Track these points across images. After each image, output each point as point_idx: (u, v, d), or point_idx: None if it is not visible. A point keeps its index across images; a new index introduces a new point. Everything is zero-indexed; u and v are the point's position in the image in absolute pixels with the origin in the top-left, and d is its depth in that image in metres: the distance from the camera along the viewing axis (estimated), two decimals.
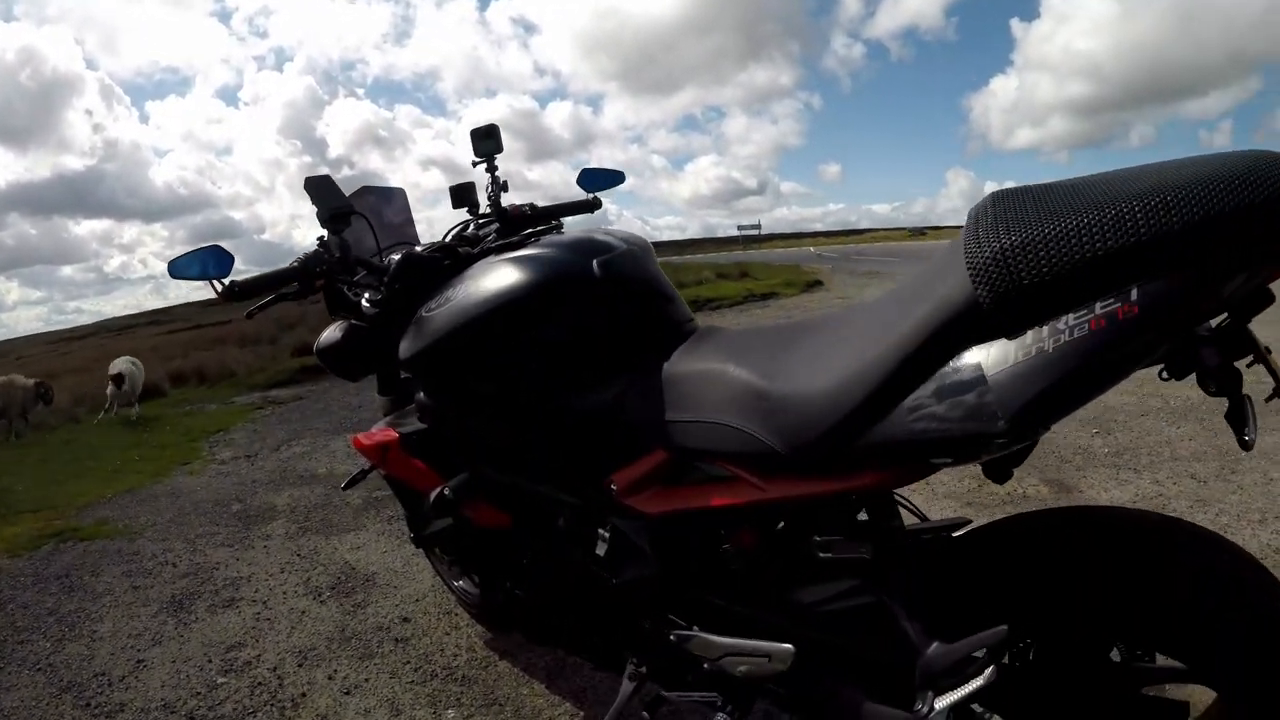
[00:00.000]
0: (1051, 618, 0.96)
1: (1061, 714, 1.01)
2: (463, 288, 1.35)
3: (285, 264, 1.47)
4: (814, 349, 1.02)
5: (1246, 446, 0.77)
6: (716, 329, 1.32)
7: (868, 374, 0.87)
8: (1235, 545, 0.89)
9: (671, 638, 1.28)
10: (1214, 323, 0.76)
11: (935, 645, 0.95)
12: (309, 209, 1.49)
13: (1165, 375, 0.80)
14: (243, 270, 1.68)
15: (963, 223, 0.81)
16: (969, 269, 0.73)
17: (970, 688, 0.88)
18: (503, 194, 1.81)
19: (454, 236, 1.66)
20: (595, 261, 1.29)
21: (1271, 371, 0.75)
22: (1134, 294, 0.68)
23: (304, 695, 1.90)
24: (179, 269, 1.39)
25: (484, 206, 1.83)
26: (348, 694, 1.90)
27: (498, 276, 1.31)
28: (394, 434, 1.54)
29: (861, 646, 1.10)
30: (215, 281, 1.39)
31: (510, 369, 1.31)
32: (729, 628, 1.21)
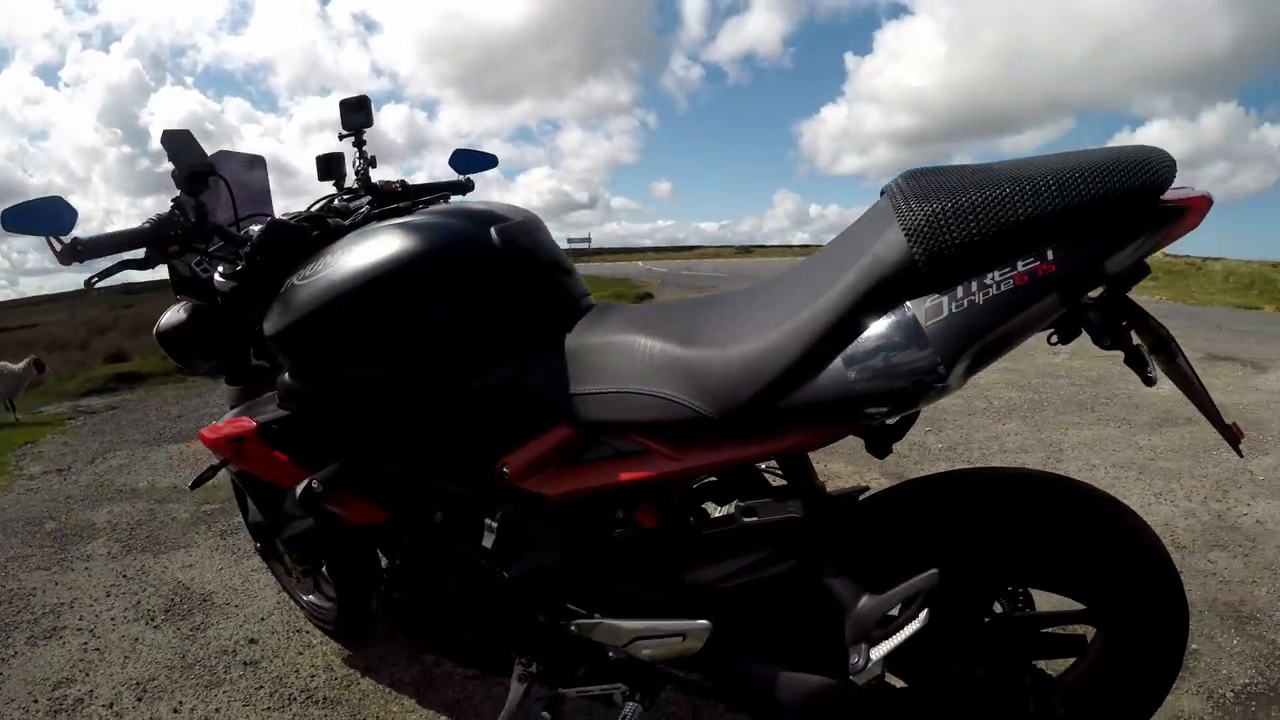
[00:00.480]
0: (964, 568, 1.07)
1: (967, 660, 1.15)
2: (342, 255, 1.25)
3: (134, 225, 1.33)
4: (735, 315, 1.05)
5: (1150, 383, 0.92)
6: (616, 305, 1.29)
7: (802, 331, 0.91)
8: (1104, 492, 1.08)
9: (572, 628, 1.24)
10: (1093, 294, 0.90)
11: (865, 599, 0.99)
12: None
13: (1054, 340, 0.93)
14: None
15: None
16: (904, 231, 0.84)
17: (907, 631, 0.91)
18: (371, 170, 1.72)
19: (320, 209, 1.55)
20: (493, 230, 1.23)
21: (1153, 332, 0.90)
22: (1050, 254, 0.80)
23: None
24: (12, 219, 1.23)
25: (351, 181, 1.74)
26: None
27: (383, 243, 1.22)
28: (251, 423, 1.38)
29: (783, 612, 1.13)
30: (54, 238, 1.24)
31: (395, 345, 1.22)
32: (636, 612, 1.19)
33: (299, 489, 1.28)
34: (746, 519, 1.08)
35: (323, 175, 1.76)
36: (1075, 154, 0.85)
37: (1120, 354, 0.92)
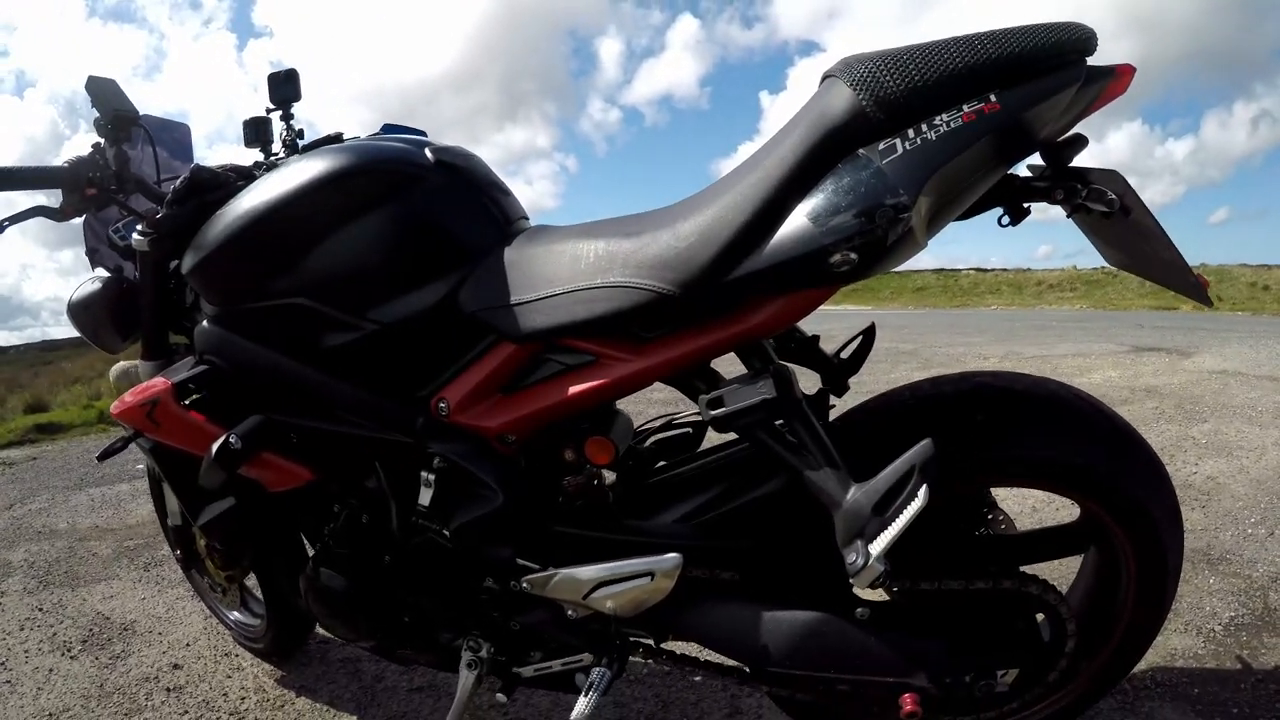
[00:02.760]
0: (952, 469, 1.01)
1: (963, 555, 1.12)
2: (266, 178, 1.18)
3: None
4: (682, 207, 1.00)
5: (1112, 208, 0.90)
6: (557, 225, 1.20)
7: (754, 190, 0.89)
8: (1078, 389, 1.09)
9: (524, 586, 1.15)
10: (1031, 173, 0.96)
11: (854, 490, 0.89)
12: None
13: (1004, 221, 0.97)
14: None
15: None
16: (850, 85, 0.85)
17: (909, 514, 0.83)
18: (300, 142, 1.65)
19: (249, 167, 1.47)
20: (428, 150, 1.18)
21: (1098, 194, 0.90)
22: (993, 97, 0.83)
23: None
24: None
25: (278, 150, 1.68)
26: None
27: (311, 162, 1.14)
28: (166, 382, 1.24)
29: (761, 531, 1.07)
30: None
31: (321, 267, 1.13)
32: (595, 557, 1.09)
33: (214, 447, 1.13)
34: (713, 411, 0.97)
35: (249, 140, 1.67)
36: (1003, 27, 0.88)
37: None
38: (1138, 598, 1.12)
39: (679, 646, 1.29)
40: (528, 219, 1.28)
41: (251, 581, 1.90)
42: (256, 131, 1.67)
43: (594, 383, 1.01)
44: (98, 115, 1.30)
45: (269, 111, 1.67)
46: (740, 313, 0.93)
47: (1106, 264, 1.09)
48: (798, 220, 0.86)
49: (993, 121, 0.82)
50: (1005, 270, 30.17)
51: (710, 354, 0.98)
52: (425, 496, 1.13)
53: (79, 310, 1.48)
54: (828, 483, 0.92)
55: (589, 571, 1.08)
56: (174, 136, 1.71)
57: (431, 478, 1.12)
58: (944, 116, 0.83)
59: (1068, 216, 0.98)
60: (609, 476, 1.21)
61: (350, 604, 1.31)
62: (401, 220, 1.13)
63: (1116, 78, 0.86)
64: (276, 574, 1.74)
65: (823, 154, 0.87)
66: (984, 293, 25.54)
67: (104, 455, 1.45)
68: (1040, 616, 1.14)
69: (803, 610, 1.04)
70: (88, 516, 3.45)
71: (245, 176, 1.36)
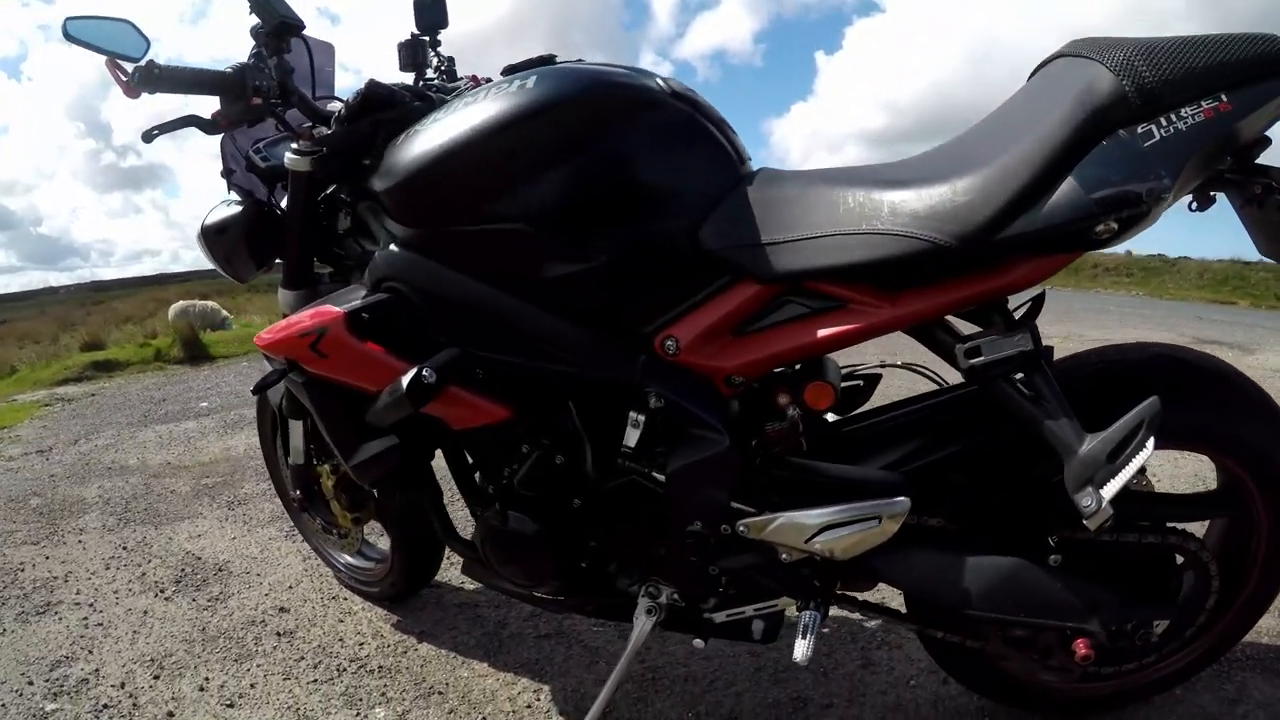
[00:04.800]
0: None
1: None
2: (485, 99, 1.09)
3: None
4: (940, 161, 1.03)
5: None
6: (789, 170, 1.16)
7: (1029, 157, 0.92)
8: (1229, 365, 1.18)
9: (740, 530, 1.09)
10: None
11: (1088, 440, 0.95)
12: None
13: (1194, 207, 1.02)
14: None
15: None
16: (1109, 68, 0.91)
17: (1137, 462, 0.90)
18: (453, 68, 1.55)
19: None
20: (658, 80, 1.11)
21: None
22: (1224, 96, 0.89)
23: (171, 716, 1.47)
24: (77, 31, 1.14)
25: (432, 77, 1.55)
26: (231, 706, 1.49)
27: (543, 85, 1.07)
28: (337, 310, 1.14)
29: (994, 469, 1.10)
30: (121, 63, 1.13)
31: (548, 196, 1.06)
32: (816, 501, 1.06)
33: (406, 379, 1.05)
34: (971, 360, 1.00)
35: (405, 64, 1.54)
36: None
37: None
38: (1264, 566, 1.20)
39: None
40: (750, 159, 1.20)
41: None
42: (413, 55, 1.54)
43: (844, 327, 1.01)
44: (257, 22, 1.22)
45: (415, 38, 1.54)
46: (997, 269, 0.97)
47: (1262, 256, 1.11)
48: (1070, 188, 0.90)
49: (1226, 119, 0.89)
50: None
51: (957, 307, 1.01)
52: (632, 437, 1.10)
53: (213, 234, 1.37)
54: (1064, 432, 0.96)
55: (814, 515, 1.06)
56: (324, 59, 1.56)
57: (641, 418, 1.08)
58: (1188, 110, 0.89)
59: (1239, 209, 1.02)
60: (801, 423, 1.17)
61: (534, 550, 1.22)
62: (644, 148, 1.08)
63: None
64: (414, 521, 1.62)
65: (1089, 130, 0.91)
66: None
67: (259, 388, 1.30)
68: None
69: (1003, 556, 1.08)
70: (158, 453, 3.31)
71: (420, 97, 1.26)
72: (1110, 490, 0.91)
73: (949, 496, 1.11)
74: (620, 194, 1.07)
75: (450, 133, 1.08)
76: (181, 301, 10.77)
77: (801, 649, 1.10)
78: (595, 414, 1.15)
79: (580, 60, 1.19)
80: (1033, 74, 1.06)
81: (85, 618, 1.85)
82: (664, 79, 1.12)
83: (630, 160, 1.07)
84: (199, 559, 2.16)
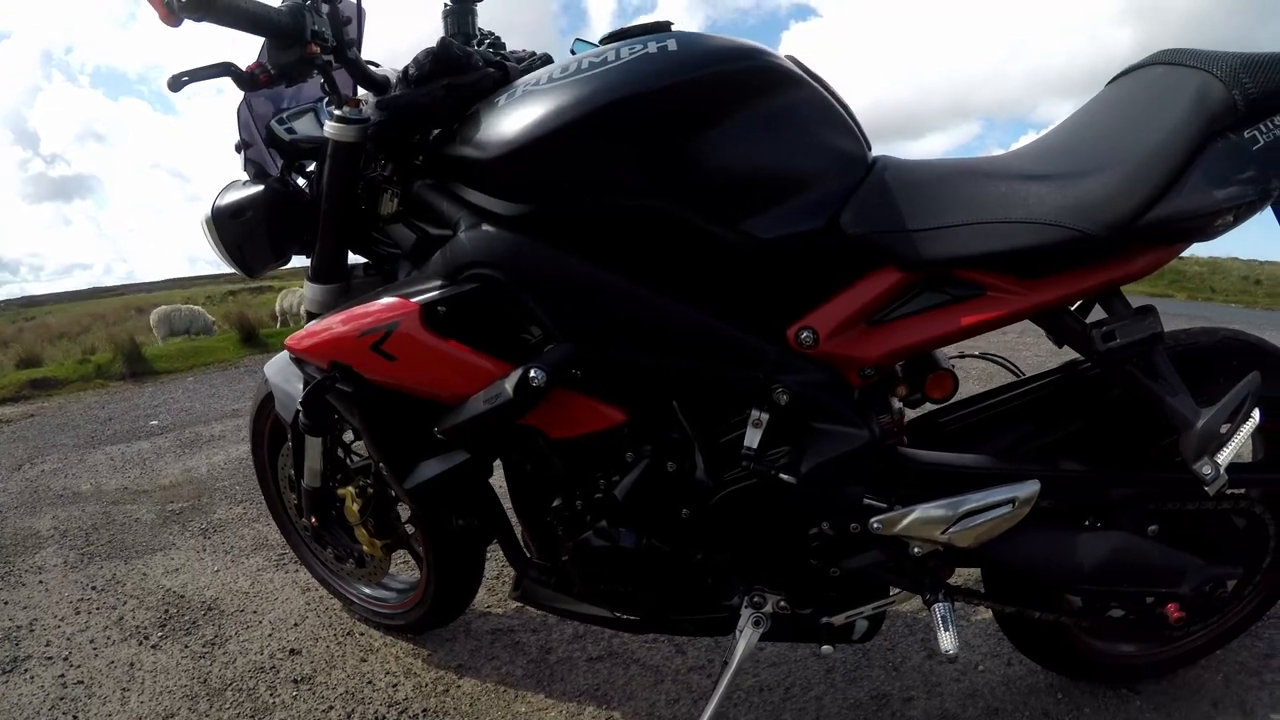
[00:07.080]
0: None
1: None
2: (615, 62, 0.99)
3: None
4: (1067, 155, 1.04)
5: None
6: (916, 160, 1.13)
7: (1163, 153, 0.96)
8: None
9: (875, 526, 1.05)
10: None
11: (1203, 413, 0.98)
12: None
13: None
14: None
15: None
16: (1218, 79, 0.96)
17: (1245, 431, 0.96)
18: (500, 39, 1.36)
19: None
20: (785, 57, 1.05)
21: None
22: None
23: None
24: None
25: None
26: None
27: (688, 51, 0.99)
28: (410, 304, 1.01)
29: (1126, 441, 1.12)
30: None
31: (693, 172, 0.98)
32: (950, 490, 1.05)
33: (511, 381, 0.96)
34: (1108, 343, 1.00)
35: (452, 31, 1.35)
36: None
37: None
38: None
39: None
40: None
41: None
42: (458, 23, 1.35)
43: (984, 314, 1.01)
44: None
45: (460, 2, 1.35)
46: (1123, 258, 0.99)
47: None
48: (1198, 183, 0.95)
49: None
50: None
51: (1084, 295, 1.03)
52: (753, 438, 1.03)
53: (225, 217, 1.17)
54: (1184, 407, 0.99)
55: (953, 505, 1.04)
56: (358, 21, 1.33)
57: (765, 416, 1.02)
58: (1277, 120, 0.96)
59: None
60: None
61: (637, 568, 1.12)
62: (794, 126, 1.03)
63: None
64: (460, 544, 1.44)
65: (1204, 133, 0.96)
66: None
67: (309, 399, 1.14)
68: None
69: (1110, 530, 1.12)
70: (112, 477, 3.02)
71: (492, 64, 1.15)
72: (1225, 458, 0.96)
73: (1069, 478, 1.11)
74: (771, 173, 1.01)
75: (580, 95, 0.98)
76: (164, 307, 10.30)
77: (948, 640, 1.08)
78: (703, 415, 1.07)
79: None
80: (1119, 76, 1.12)
81: (61, 675, 1.60)
82: (790, 56, 1.07)
83: (783, 137, 1.01)
84: (182, 597, 1.92)
